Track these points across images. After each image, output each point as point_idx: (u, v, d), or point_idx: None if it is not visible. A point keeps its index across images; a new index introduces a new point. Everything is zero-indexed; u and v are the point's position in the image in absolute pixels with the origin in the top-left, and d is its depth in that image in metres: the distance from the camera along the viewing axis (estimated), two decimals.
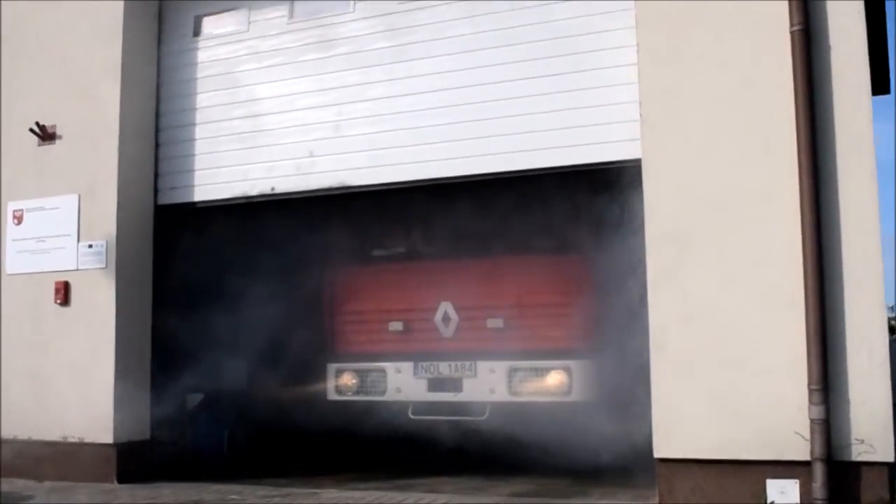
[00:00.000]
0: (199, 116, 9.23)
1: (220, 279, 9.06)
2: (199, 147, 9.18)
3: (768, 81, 6.64)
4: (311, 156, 8.60)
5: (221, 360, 9.08)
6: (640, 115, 7.04)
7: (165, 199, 9.32)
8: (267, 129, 8.87)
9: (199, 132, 9.20)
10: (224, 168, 9.02)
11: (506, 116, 7.85)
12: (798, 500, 6.39)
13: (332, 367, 9.23)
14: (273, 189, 8.75)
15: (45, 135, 9.29)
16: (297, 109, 8.74)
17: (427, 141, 8.14)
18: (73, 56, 9.31)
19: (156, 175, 9.36)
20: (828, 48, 6.49)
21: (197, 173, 9.16)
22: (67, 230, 9.12)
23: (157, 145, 9.40)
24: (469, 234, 8.60)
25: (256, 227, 8.80)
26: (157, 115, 9.42)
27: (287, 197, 8.71)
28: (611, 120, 7.47)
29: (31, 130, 9.26)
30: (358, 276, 9.43)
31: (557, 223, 8.37)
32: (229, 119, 9.07)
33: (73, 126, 9.24)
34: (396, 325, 8.95)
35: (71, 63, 9.32)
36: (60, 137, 9.28)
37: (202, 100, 9.25)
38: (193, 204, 9.17)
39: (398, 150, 8.26)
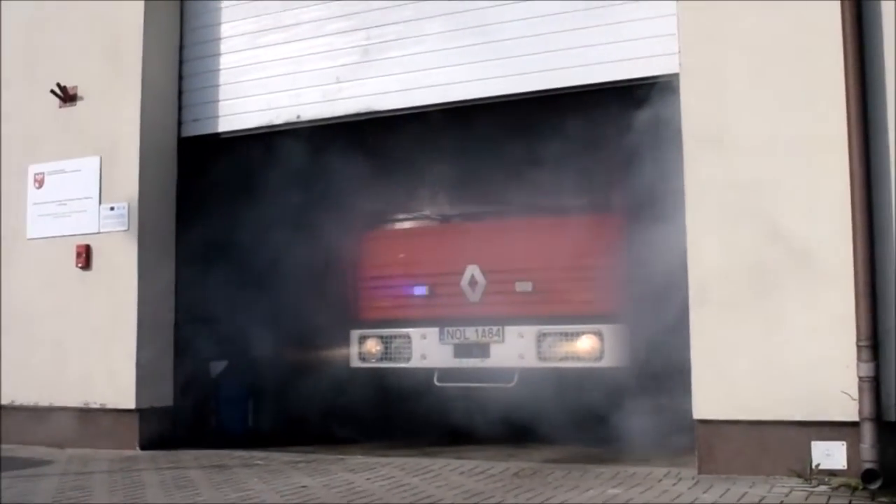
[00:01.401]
0: (224, 46, 9.08)
1: (244, 224, 8.82)
2: (224, 77, 9.05)
3: (816, 22, 6.35)
4: (338, 81, 8.42)
5: (245, 324, 8.90)
6: (680, 63, 6.78)
7: (189, 131, 9.20)
8: (293, 56, 8.69)
9: (224, 62, 9.07)
10: (249, 97, 8.88)
11: (539, 35, 7.64)
12: (845, 463, 6.13)
13: (355, 334, 8.99)
14: (299, 117, 8.59)
15: (67, 96, 9.17)
16: (324, 35, 8.56)
17: (456, 62, 7.95)
18: (95, 13, 9.17)
19: (179, 108, 9.22)
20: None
21: (221, 104, 9.03)
22: (89, 193, 9.01)
23: (180, 77, 9.25)
24: (497, 169, 8.35)
25: (280, 166, 8.56)
26: (181, 48, 9.28)
27: (313, 125, 8.55)
28: (646, 35, 7.23)
29: (53, 92, 9.13)
30: (381, 239, 9.17)
31: (588, 178, 8.13)
32: (254, 48, 8.91)
33: (95, 86, 9.11)
34: (421, 290, 8.69)
35: (93, 21, 9.18)
36: (82, 98, 9.14)
37: (226, 29, 9.11)
38: (217, 135, 9.05)
39: (427, 73, 8.07)
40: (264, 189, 8.70)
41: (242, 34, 9.01)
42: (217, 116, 9.02)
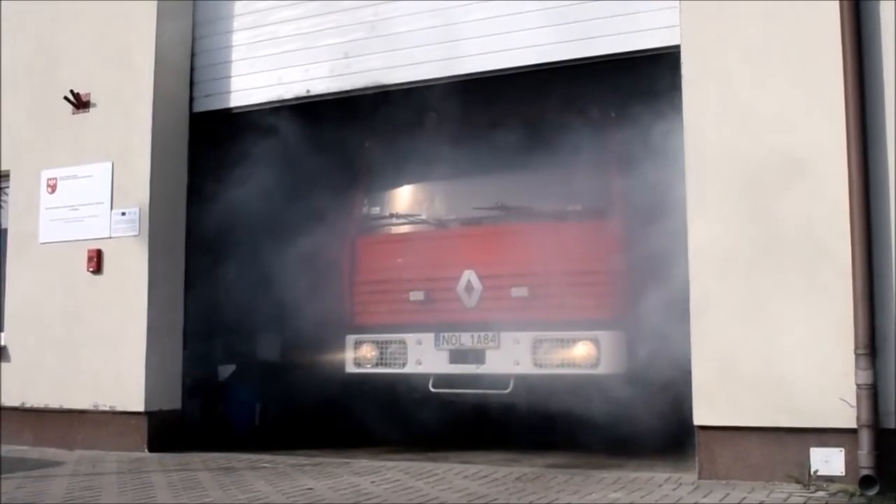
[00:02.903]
0: (237, 23, 9.31)
1: (249, 219, 8.89)
2: (236, 54, 9.28)
3: (815, 33, 6.46)
4: (346, 57, 8.61)
5: (252, 328, 8.99)
6: (682, 73, 6.88)
7: (201, 106, 9.38)
8: (303, 33, 8.89)
9: (237, 39, 9.30)
10: (260, 73, 9.09)
11: (545, 9, 7.83)
12: (843, 469, 6.21)
13: (350, 339, 8.90)
14: (308, 91, 8.78)
15: (80, 103, 9.31)
16: (333, 11, 8.76)
17: (462, 36, 8.13)
18: (107, 19, 9.33)
19: (191, 84, 9.41)
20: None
21: (233, 80, 9.26)
22: (100, 198, 9.14)
23: (192, 54, 9.44)
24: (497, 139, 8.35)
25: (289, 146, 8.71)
26: (194, 26, 9.47)
27: (321, 99, 8.73)
28: (646, 8, 7.41)
29: (66, 99, 9.27)
30: (377, 243, 9.08)
31: (586, 180, 8.16)
32: (266, 24, 9.12)
33: (107, 93, 9.25)
34: (417, 295, 8.63)
35: (105, 27, 9.33)
36: (94, 105, 9.29)
37: (239, 7, 9.34)
38: (229, 110, 9.24)
39: (433, 48, 8.24)
40: (268, 179, 8.79)
41: (253, 12, 9.21)
42: (229, 92, 9.24)
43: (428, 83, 8.26)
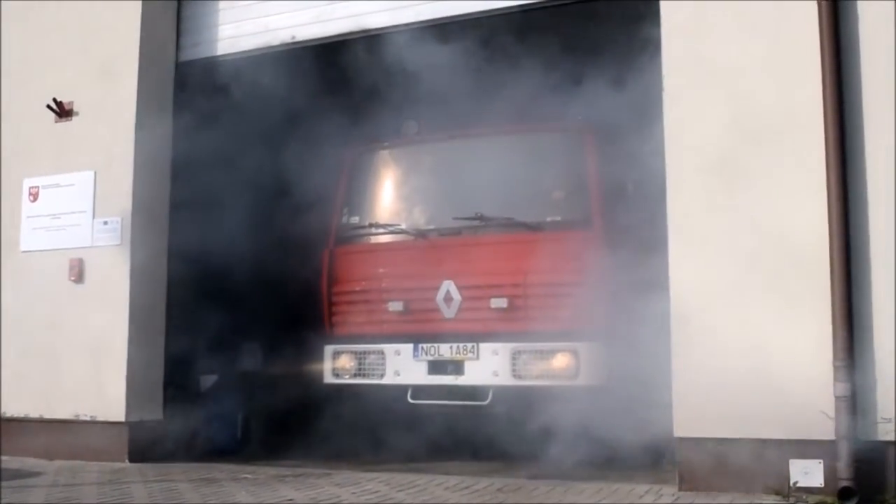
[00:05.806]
0: None
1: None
2: (223, 3, 9.31)
3: (795, 48, 6.51)
4: (332, 2, 8.65)
5: (234, 337, 8.96)
6: (664, 87, 6.91)
7: (188, 55, 9.39)
8: None
9: None
10: (246, 20, 9.11)
11: None
12: (822, 481, 6.23)
13: (328, 349, 8.88)
14: (293, 38, 8.81)
15: (63, 111, 9.27)
16: None
17: None
18: (91, 28, 9.32)
19: (178, 33, 9.43)
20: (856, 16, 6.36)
21: (220, 28, 9.28)
22: (83, 207, 9.10)
23: (178, 5, 9.46)
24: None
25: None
26: None
27: (307, 44, 8.78)
28: None
29: (49, 107, 9.24)
30: (355, 253, 9.03)
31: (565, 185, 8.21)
32: None
33: (91, 102, 9.22)
34: (396, 305, 8.60)
35: (89, 36, 9.32)
36: (77, 114, 9.26)
37: None
38: (216, 58, 9.26)
39: None
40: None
41: None
42: (216, 40, 9.28)
43: (410, 27, 8.27)
